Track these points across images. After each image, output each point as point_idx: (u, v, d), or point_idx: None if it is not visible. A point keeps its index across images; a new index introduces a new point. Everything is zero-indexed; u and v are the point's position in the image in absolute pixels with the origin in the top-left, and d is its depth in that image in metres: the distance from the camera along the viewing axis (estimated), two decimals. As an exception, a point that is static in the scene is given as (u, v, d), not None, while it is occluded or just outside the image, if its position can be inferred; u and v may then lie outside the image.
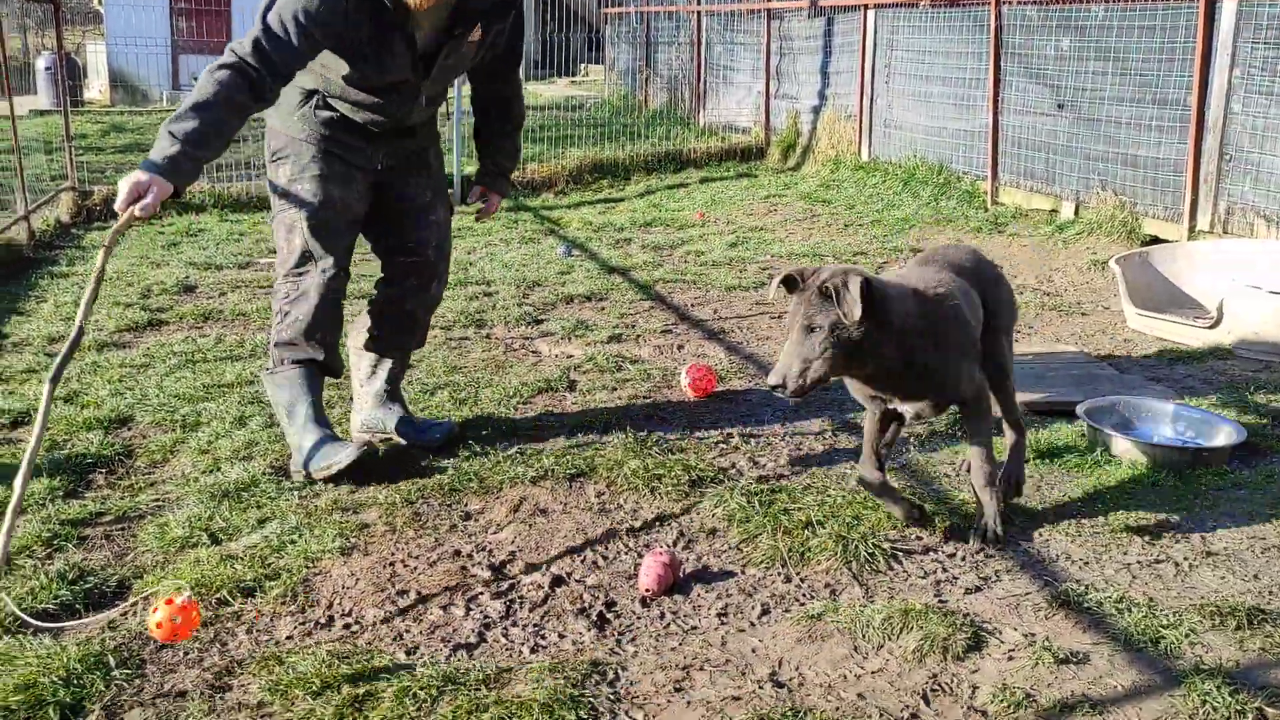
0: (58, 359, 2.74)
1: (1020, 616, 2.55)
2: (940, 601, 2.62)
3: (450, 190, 9.48)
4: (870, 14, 9.69)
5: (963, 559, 2.85)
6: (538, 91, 18.32)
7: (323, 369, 3.50)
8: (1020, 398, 4.02)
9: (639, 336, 5.06)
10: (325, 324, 3.42)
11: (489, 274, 6.35)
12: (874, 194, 8.90)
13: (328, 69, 3.20)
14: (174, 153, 2.83)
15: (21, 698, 2.19)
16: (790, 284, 2.66)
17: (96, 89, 19.68)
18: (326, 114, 3.33)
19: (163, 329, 5.21)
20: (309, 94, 3.31)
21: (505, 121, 3.69)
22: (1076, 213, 7.28)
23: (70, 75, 12.20)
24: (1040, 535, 2.98)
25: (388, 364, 3.68)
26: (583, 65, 21.28)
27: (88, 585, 2.70)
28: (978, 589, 2.69)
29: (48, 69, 17.04)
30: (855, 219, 8.10)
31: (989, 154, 8.09)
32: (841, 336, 2.57)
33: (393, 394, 3.69)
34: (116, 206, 2.78)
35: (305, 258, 3.38)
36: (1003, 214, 7.74)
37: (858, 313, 2.51)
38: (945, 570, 2.79)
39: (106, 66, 19.32)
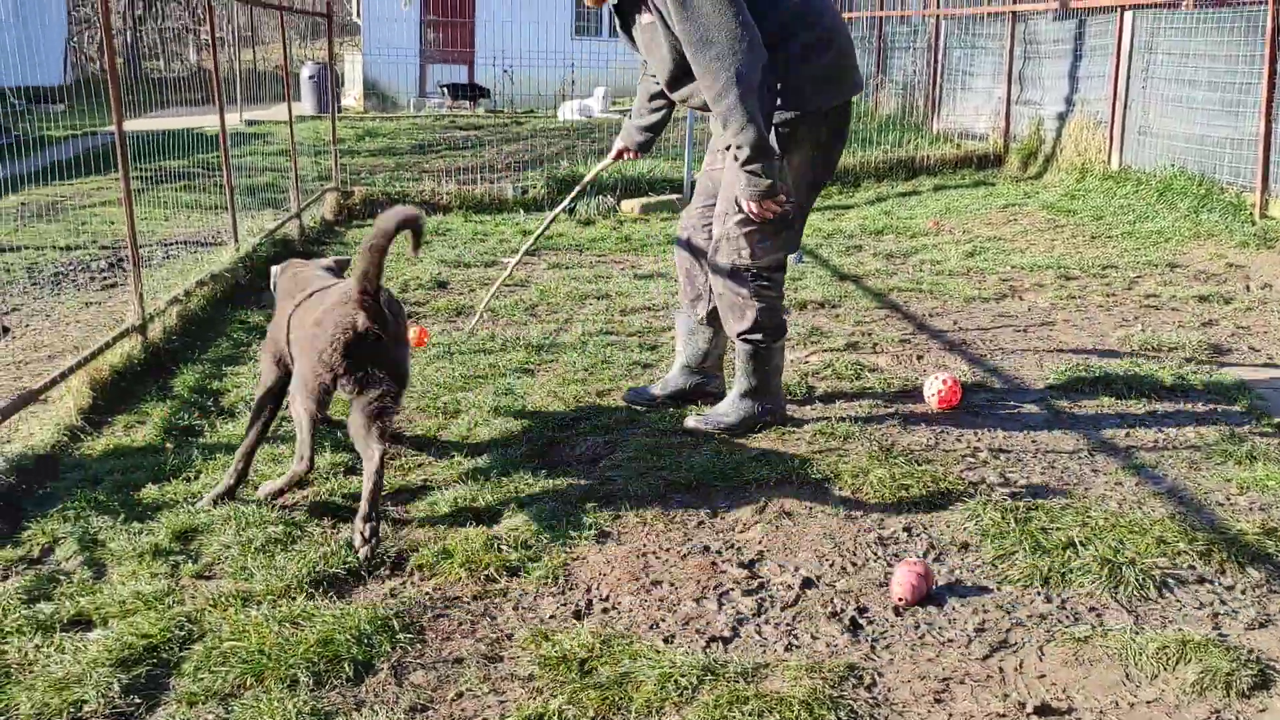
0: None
1: (1313, 658, 2.38)
2: (1220, 635, 2.47)
3: (679, 195, 9.66)
4: (1129, 15, 9.19)
5: (1242, 592, 2.68)
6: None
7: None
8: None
9: (876, 345, 5.00)
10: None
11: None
12: (1125, 205, 8.44)
13: None
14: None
15: (321, 651, 2.40)
16: None
17: (352, 96, 21.12)
18: None
19: (422, 321, 5.55)
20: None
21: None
22: (1361, 228, 6.67)
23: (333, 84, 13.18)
24: (1331, 574, 2.76)
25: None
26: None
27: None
28: (1262, 624, 2.52)
29: (311, 78, 18.46)
30: (1103, 231, 7.70)
31: (1259, 163, 7.52)
32: None
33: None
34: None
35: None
36: (1273, 228, 7.17)
37: None
38: (1223, 603, 2.63)
39: (362, 75, 20.70)
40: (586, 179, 4.90)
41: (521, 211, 9.17)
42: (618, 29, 3.69)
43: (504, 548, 2.93)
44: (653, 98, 3.99)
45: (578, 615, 2.63)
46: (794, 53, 3.44)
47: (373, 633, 2.49)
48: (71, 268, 6.96)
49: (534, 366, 4.68)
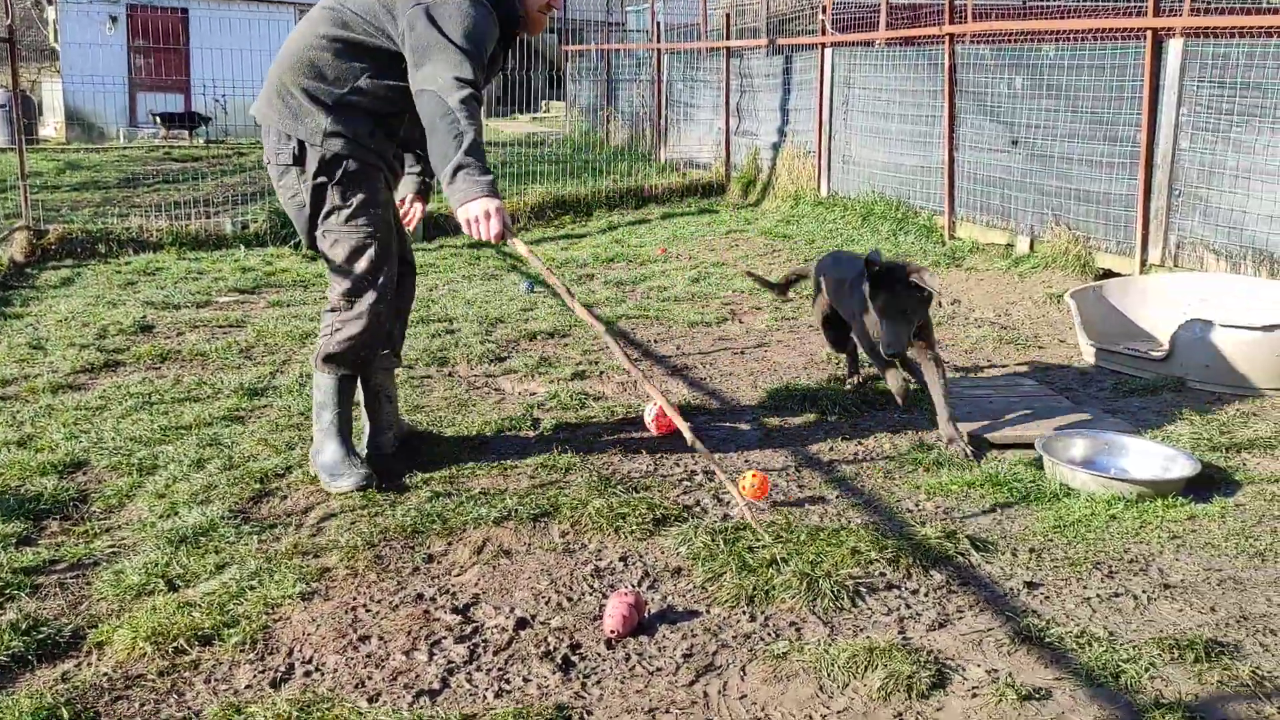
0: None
1: (984, 653, 2.57)
2: (904, 638, 2.63)
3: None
4: (828, 52, 9.84)
5: (925, 595, 2.86)
6: (499, 128, 18.39)
7: (356, 378, 3.74)
8: (983, 432, 4.07)
9: (602, 373, 5.06)
10: (374, 344, 3.65)
11: (451, 311, 6.34)
12: (834, 229, 9.00)
13: (395, 83, 3.43)
14: (492, 179, 3.25)
15: (-29, 754, 2.14)
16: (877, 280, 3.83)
17: (52, 126, 19.50)
18: (385, 139, 3.54)
19: (119, 370, 5.14)
20: (375, 120, 3.48)
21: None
22: (1032, 247, 7.41)
23: (26, 113, 12.09)
24: (1002, 569, 3.01)
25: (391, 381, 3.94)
26: (544, 102, 21.40)
27: (41, 635, 2.64)
28: (941, 625, 2.70)
29: (2, 106, 16.87)
30: (815, 254, 8.17)
31: (945, 189, 8.21)
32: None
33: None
34: (493, 236, 3.23)
35: (365, 282, 3.54)
36: (960, 248, 7.85)
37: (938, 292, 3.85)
38: (909, 607, 2.80)
39: (62, 104, 19.15)
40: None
41: (242, 247, 8.72)
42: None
43: (197, 614, 2.72)
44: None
45: (275, 683, 2.48)
46: None
47: (36, 726, 2.25)
48: None
49: (245, 413, 4.43)
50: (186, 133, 18.38)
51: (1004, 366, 5.20)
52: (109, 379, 4.97)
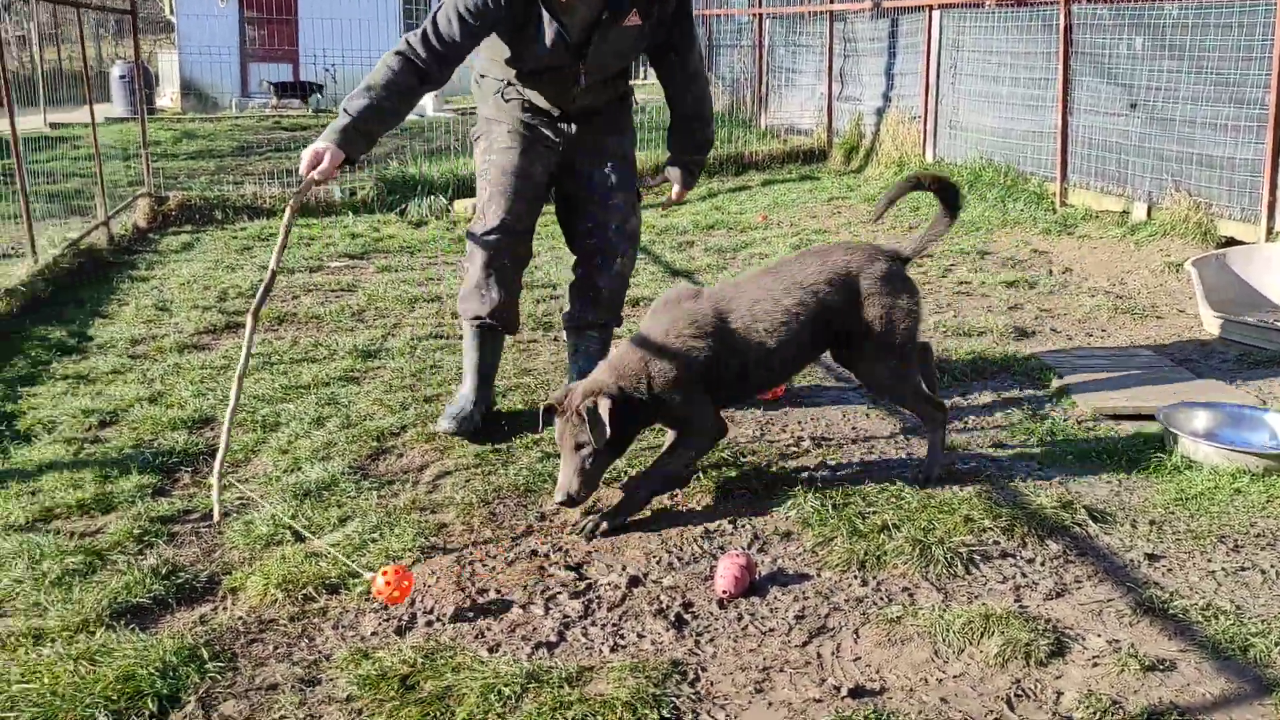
0: (258, 295, 3.30)
1: (1104, 623, 2.52)
2: (1021, 607, 2.60)
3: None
4: (935, 14, 9.60)
5: (1041, 564, 2.82)
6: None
7: (496, 327, 3.83)
8: (1098, 402, 3.98)
9: (706, 339, 5.06)
10: (490, 281, 3.75)
11: (554, 276, 6.41)
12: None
13: (498, 54, 3.60)
14: (345, 124, 3.26)
15: (121, 688, 2.27)
16: (550, 412, 3.11)
17: (169, 96, 20.15)
18: (514, 98, 3.73)
19: (239, 331, 5.32)
20: (500, 81, 3.73)
21: (682, 108, 3.87)
22: (1149, 214, 7.15)
23: (145, 84, 12.53)
24: (1122, 541, 2.94)
25: (587, 342, 3.97)
26: (642, 69, 21.30)
27: (179, 580, 2.78)
28: (1059, 594, 2.66)
29: (122, 78, 17.50)
30: (920, 221, 8.02)
31: (1058, 155, 7.97)
32: (600, 447, 3.00)
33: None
34: (301, 172, 3.27)
35: (482, 220, 3.74)
36: (1072, 215, 7.62)
37: (604, 438, 2.97)
38: (1024, 575, 2.77)
39: (178, 75, 19.78)
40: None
41: (350, 214, 8.93)
42: (556, 25, 3.47)
43: (323, 564, 2.83)
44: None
45: (400, 630, 2.57)
46: None
47: (179, 664, 2.37)
48: None
49: (360, 374, 4.56)
50: (299, 101, 18.81)
51: (1119, 336, 5.05)
52: (230, 339, 5.16)
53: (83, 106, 7.99)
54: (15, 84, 7.15)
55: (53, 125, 14.50)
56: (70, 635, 2.49)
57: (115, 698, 2.25)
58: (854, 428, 3.86)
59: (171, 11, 20.70)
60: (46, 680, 2.29)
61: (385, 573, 2.64)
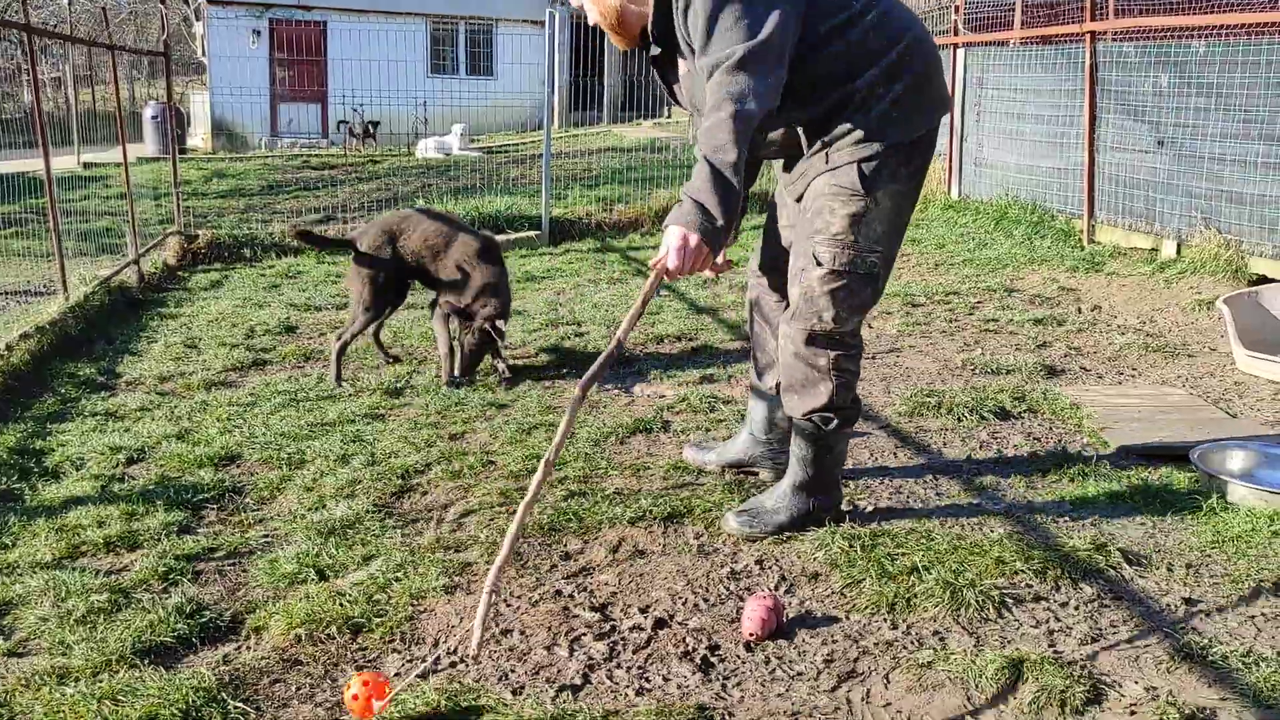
0: (590, 371, 2.64)
1: (1141, 669, 2.47)
2: (1055, 652, 2.55)
3: (537, 232, 9.62)
4: (959, 52, 9.62)
5: (1075, 608, 2.77)
6: (621, 133, 18.54)
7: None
8: (1129, 441, 3.92)
9: (731, 377, 5.05)
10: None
11: (579, 314, 6.41)
12: (965, 233, 8.79)
13: None
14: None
15: (144, 728, 2.25)
16: None
17: (199, 136, 20.46)
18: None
19: (267, 368, 5.35)
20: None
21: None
22: (1178, 251, 7.10)
23: (176, 124, 12.73)
24: (1157, 584, 2.88)
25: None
26: (667, 107, 21.46)
27: (203, 619, 2.77)
28: (1094, 639, 2.61)
29: (154, 118, 17.81)
30: (946, 258, 8.00)
31: (1085, 192, 7.94)
32: None
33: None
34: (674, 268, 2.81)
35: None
36: (1100, 252, 7.58)
37: None
38: (1058, 619, 2.71)
39: (209, 115, 20.09)
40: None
41: (376, 252, 8.98)
42: (662, 86, 3.37)
43: (347, 604, 2.81)
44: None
45: (424, 673, 2.54)
46: (876, 77, 2.97)
47: (201, 704, 2.35)
48: (-118, 323, 6.49)
49: (385, 411, 4.56)
50: (373, 140, 18.80)
51: (1150, 375, 4.99)
52: (258, 376, 5.18)
53: (115, 146, 8.11)
54: (49, 124, 7.27)
55: (85, 164, 14.74)
56: (94, 674, 2.48)
57: (137, 738, 2.23)
58: (881, 467, 3.82)
59: (204, 53, 21.07)
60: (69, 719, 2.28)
61: (367, 683, 2.32)
